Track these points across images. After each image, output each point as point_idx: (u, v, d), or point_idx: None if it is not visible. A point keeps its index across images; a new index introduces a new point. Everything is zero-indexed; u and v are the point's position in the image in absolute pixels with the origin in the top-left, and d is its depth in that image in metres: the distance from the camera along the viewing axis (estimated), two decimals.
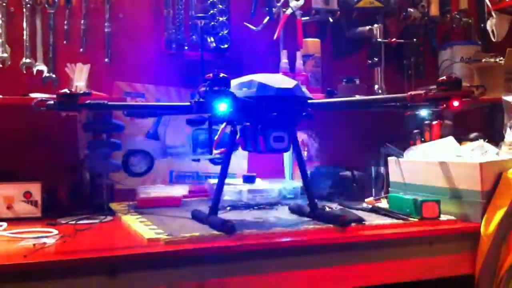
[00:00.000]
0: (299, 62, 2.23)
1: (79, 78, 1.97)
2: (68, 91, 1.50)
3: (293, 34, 2.25)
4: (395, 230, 1.55)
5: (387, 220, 1.61)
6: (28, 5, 2.00)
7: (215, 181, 1.61)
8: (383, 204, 1.85)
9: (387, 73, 2.34)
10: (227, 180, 1.62)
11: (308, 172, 2.00)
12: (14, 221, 1.68)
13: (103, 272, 1.25)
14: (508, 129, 1.99)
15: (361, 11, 2.35)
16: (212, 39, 2.20)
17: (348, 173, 2.01)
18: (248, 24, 2.24)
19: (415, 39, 2.43)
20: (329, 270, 1.44)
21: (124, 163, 2.00)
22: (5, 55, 1.96)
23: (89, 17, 2.09)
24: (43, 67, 2.03)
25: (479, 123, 2.48)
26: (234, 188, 1.96)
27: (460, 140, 1.90)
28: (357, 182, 1.99)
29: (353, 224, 1.53)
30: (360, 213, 1.68)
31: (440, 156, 1.76)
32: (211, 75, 1.37)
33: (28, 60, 2.00)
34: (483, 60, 2.39)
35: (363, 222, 1.57)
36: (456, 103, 1.40)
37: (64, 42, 2.07)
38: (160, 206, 1.87)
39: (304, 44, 2.27)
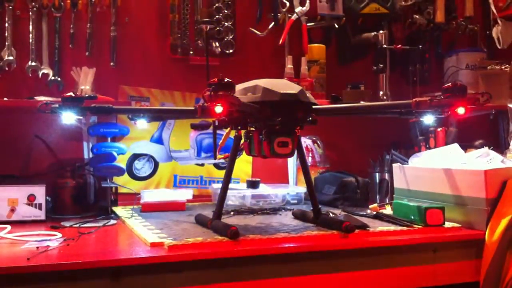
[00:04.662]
0: (304, 68, 2.23)
1: (85, 81, 1.98)
2: (73, 95, 1.51)
3: (298, 40, 2.25)
4: (399, 236, 1.54)
5: (391, 227, 1.60)
6: (35, 9, 2.01)
7: (219, 185, 1.61)
8: (387, 210, 1.85)
9: (392, 79, 2.34)
10: (231, 185, 1.62)
11: (312, 178, 2.00)
12: (18, 224, 1.68)
13: (106, 276, 1.25)
14: None
15: (367, 17, 2.36)
16: (217, 44, 2.21)
17: (352, 179, 2.00)
18: (253, 29, 2.25)
19: (420, 46, 2.43)
20: (332, 276, 1.44)
21: (129, 167, 2.01)
22: (11, 58, 1.97)
23: (95, 21, 2.10)
24: (49, 71, 2.04)
25: (484, 130, 2.47)
26: (238, 193, 1.97)
27: (465, 147, 1.90)
28: (361, 188, 1.99)
29: (356, 231, 1.53)
30: (364, 220, 1.67)
31: (445, 163, 1.76)
32: (216, 79, 1.37)
33: (33, 63, 2.01)
34: (489, 67, 2.39)
35: (367, 229, 1.57)
36: (461, 110, 1.40)
37: (70, 45, 2.08)
38: (164, 210, 1.87)
39: (309, 49, 2.27)
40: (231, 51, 2.23)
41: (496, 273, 1.51)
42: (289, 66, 2.21)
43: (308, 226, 1.60)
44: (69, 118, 1.54)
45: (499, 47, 2.48)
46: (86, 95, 1.90)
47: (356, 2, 2.31)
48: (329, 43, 2.39)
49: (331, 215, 1.73)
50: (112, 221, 1.73)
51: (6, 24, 1.98)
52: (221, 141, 1.82)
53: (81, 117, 1.63)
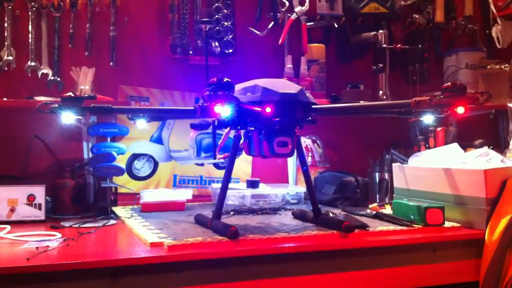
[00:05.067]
0: (303, 67, 2.23)
1: (84, 81, 1.98)
2: (73, 95, 1.51)
3: (298, 39, 2.25)
4: (398, 236, 1.54)
5: (391, 227, 1.60)
6: (34, 9, 2.01)
7: (219, 185, 1.61)
8: (387, 210, 1.85)
9: (392, 79, 2.34)
10: (230, 185, 1.62)
11: (312, 178, 2.00)
12: (18, 224, 1.68)
13: (106, 276, 1.25)
14: None
15: (366, 17, 2.35)
16: (216, 43, 2.21)
17: (352, 178, 2.00)
18: (253, 29, 2.25)
19: (420, 45, 2.43)
20: (332, 276, 1.44)
21: (128, 166, 2.00)
22: (11, 58, 1.97)
23: (94, 21, 2.10)
24: (48, 71, 2.03)
25: (484, 129, 2.47)
26: (237, 193, 1.97)
27: (464, 146, 1.90)
28: (361, 188, 1.99)
29: (356, 230, 1.53)
30: (364, 219, 1.67)
31: (445, 162, 1.76)
32: (215, 79, 1.37)
33: (33, 63, 2.01)
34: (488, 67, 2.39)
35: (367, 228, 1.56)
36: (460, 110, 1.40)
37: (69, 45, 2.07)
38: (164, 210, 1.87)
39: (309, 49, 2.27)
40: (230, 50, 2.22)
41: (496, 273, 1.51)
42: (288, 65, 2.21)
43: (308, 226, 1.60)
44: (68, 118, 1.54)
45: (498, 47, 2.48)
46: (86, 95, 1.90)
47: (356, 1, 2.31)
48: (328, 43, 2.38)
49: (330, 214, 1.73)
50: (112, 221, 1.73)
51: (6, 24, 1.97)
52: (220, 141, 1.82)
53: (81, 117, 1.63)
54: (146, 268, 1.28)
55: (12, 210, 1.74)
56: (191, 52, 2.19)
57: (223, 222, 1.50)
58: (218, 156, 1.89)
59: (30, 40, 2.00)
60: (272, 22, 2.24)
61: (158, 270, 1.29)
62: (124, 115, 1.91)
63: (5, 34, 1.97)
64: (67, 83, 2.03)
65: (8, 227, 1.56)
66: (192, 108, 1.50)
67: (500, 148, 2.08)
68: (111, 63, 2.11)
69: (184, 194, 1.95)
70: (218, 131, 1.83)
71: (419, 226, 1.61)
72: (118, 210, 1.87)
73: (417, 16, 2.42)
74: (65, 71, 2.04)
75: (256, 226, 1.61)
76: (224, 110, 1.39)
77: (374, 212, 1.78)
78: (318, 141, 2.26)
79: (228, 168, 1.56)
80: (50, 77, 2.04)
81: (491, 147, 1.79)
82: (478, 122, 2.40)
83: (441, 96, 1.41)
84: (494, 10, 2.49)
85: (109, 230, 1.64)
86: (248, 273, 1.36)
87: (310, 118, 1.60)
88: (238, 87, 1.54)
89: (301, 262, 1.41)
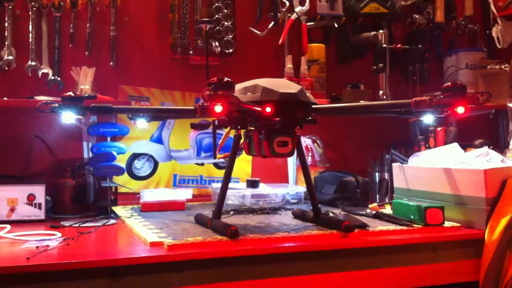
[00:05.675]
0: (303, 67, 2.23)
1: (84, 81, 1.98)
2: (73, 94, 1.51)
3: (298, 39, 2.25)
4: (398, 236, 1.54)
5: (391, 226, 1.60)
6: (34, 8, 2.01)
7: (219, 185, 1.61)
8: (387, 210, 1.85)
9: (392, 79, 2.34)
10: (230, 185, 1.62)
11: (312, 177, 2.00)
12: (18, 223, 1.68)
13: (105, 276, 1.25)
14: None
15: (366, 17, 2.35)
16: (217, 43, 2.21)
17: (352, 178, 2.00)
18: (253, 29, 2.25)
19: (420, 45, 2.43)
20: (331, 276, 1.44)
21: (128, 166, 2.01)
22: (11, 57, 1.97)
23: (95, 20, 2.10)
24: (49, 70, 2.04)
25: (484, 129, 2.47)
26: (237, 193, 1.97)
27: (464, 146, 1.90)
28: (361, 187, 1.99)
29: (356, 230, 1.53)
30: (364, 219, 1.67)
31: (445, 162, 1.76)
32: (215, 79, 1.37)
33: (33, 63, 2.01)
34: (488, 67, 2.39)
35: (367, 228, 1.56)
36: (460, 110, 1.40)
37: (70, 45, 2.08)
38: (164, 210, 1.87)
39: (309, 49, 2.27)
40: (230, 50, 2.23)
41: (495, 272, 1.51)
42: (288, 65, 2.21)
43: (308, 226, 1.60)
44: (68, 117, 1.54)
45: (498, 47, 2.48)
46: (86, 95, 1.90)
47: (356, 1, 2.31)
48: (329, 43, 2.39)
49: (330, 214, 1.73)
50: (112, 221, 1.73)
51: (6, 24, 1.98)
52: (221, 140, 1.82)
53: (81, 117, 1.63)
54: (146, 267, 1.28)
55: (12, 210, 1.74)
56: (191, 52, 2.20)
57: (223, 222, 1.50)
58: (218, 155, 1.88)
59: (30, 40, 2.01)
60: (272, 22, 2.24)
61: (158, 269, 1.29)
62: (124, 115, 1.91)
63: (6, 33, 1.97)
64: (68, 83, 2.03)
65: (8, 227, 1.56)
66: (192, 107, 1.50)
67: (500, 148, 2.08)
68: (111, 63, 2.12)
69: (184, 194, 1.95)
70: (218, 131, 1.84)
71: (419, 226, 1.61)
72: (118, 209, 1.87)
73: (417, 16, 2.42)
74: (66, 70, 2.04)
75: (256, 226, 1.61)
76: (224, 110, 1.39)
77: (374, 212, 1.78)
78: (318, 141, 2.27)
79: (228, 168, 1.56)
80: (51, 76, 2.04)
81: (491, 147, 1.79)
82: (478, 122, 2.40)
83: (441, 96, 1.41)
84: (494, 10, 2.49)
85: (109, 229, 1.64)
86: (248, 272, 1.36)
87: (310, 118, 1.60)
88: (238, 86, 1.54)
89: (301, 261, 1.41)
